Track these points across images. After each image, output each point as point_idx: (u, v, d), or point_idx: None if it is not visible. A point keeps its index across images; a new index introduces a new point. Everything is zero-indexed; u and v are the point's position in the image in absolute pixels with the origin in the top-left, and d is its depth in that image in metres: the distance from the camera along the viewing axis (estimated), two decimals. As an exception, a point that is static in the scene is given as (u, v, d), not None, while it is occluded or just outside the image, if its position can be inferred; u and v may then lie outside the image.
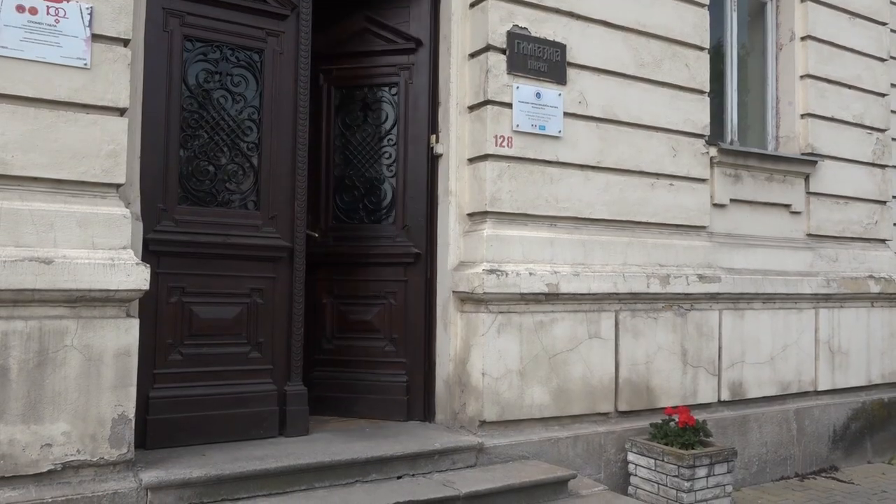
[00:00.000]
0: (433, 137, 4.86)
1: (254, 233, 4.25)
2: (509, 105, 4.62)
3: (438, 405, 4.73)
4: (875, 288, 6.40)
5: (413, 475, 4.00)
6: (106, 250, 3.42)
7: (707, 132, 5.53)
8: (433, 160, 4.87)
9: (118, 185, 3.57)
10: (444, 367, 4.70)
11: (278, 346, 4.28)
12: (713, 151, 5.54)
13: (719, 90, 6.03)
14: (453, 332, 4.63)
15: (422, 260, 4.81)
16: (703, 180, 5.50)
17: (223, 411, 4.04)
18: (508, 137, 4.62)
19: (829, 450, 6.02)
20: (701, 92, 5.51)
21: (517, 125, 4.64)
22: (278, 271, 4.31)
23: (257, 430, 4.12)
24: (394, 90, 4.91)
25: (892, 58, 6.98)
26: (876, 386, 6.44)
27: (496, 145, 4.57)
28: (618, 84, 5.10)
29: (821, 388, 6.05)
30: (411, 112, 4.87)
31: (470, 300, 4.51)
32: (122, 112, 3.59)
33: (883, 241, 6.70)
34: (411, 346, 4.79)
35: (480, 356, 4.40)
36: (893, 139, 6.94)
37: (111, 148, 3.50)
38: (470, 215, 4.69)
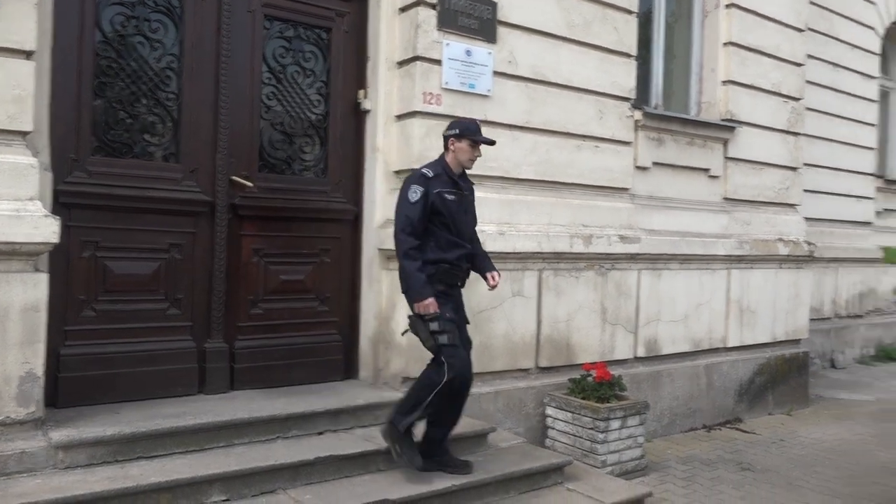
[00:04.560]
0: (361, 93, 4.78)
1: (173, 186, 4.11)
2: (439, 62, 4.58)
3: (362, 362, 4.76)
4: (784, 250, 6.72)
5: (335, 431, 4.03)
6: (11, 201, 3.25)
7: (633, 96, 5.63)
8: (361, 116, 4.80)
9: (25, 133, 3.37)
10: (368, 324, 4.72)
11: (198, 303, 4.19)
12: (638, 115, 5.65)
13: (646, 55, 6.12)
14: (378, 290, 4.64)
15: (355, 217, 4.76)
16: (628, 143, 5.61)
17: (140, 369, 3.95)
18: (437, 95, 4.59)
19: (735, 402, 6.37)
20: (628, 56, 5.58)
21: (446, 83, 4.61)
22: (199, 226, 4.20)
23: (176, 387, 4.05)
24: (327, 36, 4.73)
25: (809, 29, 7.23)
26: (780, 343, 6.82)
27: (425, 102, 4.54)
28: (548, 44, 5.11)
29: (730, 344, 6.37)
30: (342, 64, 4.75)
31: (395, 258, 4.49)
32: (28, 55, 3.38)
33: (793, 206, 7.02)
34: (344, 304, 4.76)
35: (405, 314, 4.42)
36: (807, 109, 7.23)
37: (17, 93, 3.30)
38: (397, 173, 4.66)
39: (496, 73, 4.83)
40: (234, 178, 4.30)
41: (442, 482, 3.66)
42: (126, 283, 3.98)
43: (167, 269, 4.10)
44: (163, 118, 4.14)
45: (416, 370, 4.42)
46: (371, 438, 3.93)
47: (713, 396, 6.19)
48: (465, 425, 4.29)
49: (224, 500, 3.33)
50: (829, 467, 5.13)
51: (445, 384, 3.61)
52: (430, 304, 3.59)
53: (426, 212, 3.68)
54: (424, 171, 3.78)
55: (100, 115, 3.95)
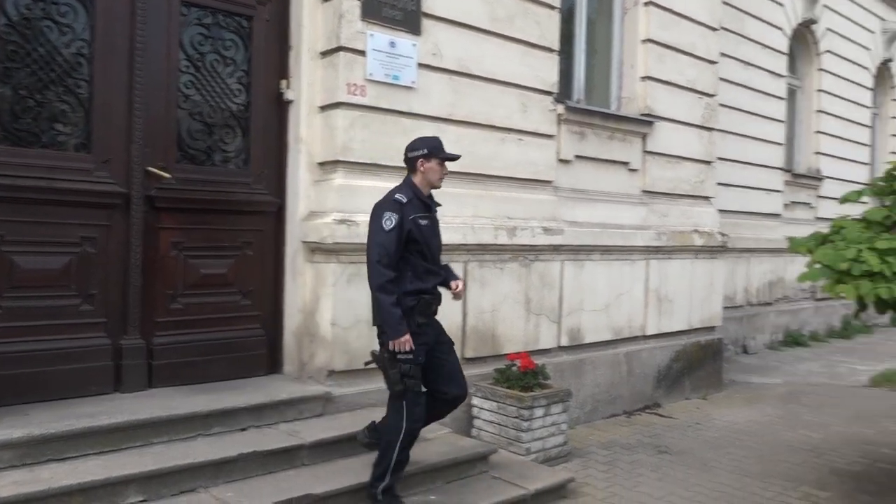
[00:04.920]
0: (284, 83, 4.70)
1: (84, 177, 3.95)
2: (363, 53, 4.55)
3: (287, 356, 4.69)
4: (699, 241, 6.99)
5: (258, 426, 3.97)
6: None
7: (556, 90, 5.74)
8: (284, 106, 4.72)
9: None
10: (292, 318, 4.66)
11: (113, 299, 4.05)
12: (561, 109, 5.76)
13: (569, 50, 6.24)
14: (302, 283, 4.59)
15: (278, 209, 4.68)
16: (551, 136, 5.72)
17: (51, 368, 3.79)
18: (362, 86, 4.56)
19: (654, 388, 6.60)
20: (551, 50, 5.67)
21: (371, 74, 4.58)
22: (113, 219, 4.05)
23: (90, 386, 3.91)
24: (247, 24, 4.61)
25: (723, 28, 7.51)
26: (696, 330, 7.09)
27: (349, 93, 4.50)
28: (472, 37, 5.15)
29: (649, 332, 6.59)
30: (264, 53, 4.66)
31: (320, 250, 4.46)
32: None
33: (707, 198, 7.30)
34: (267, 298, 4.68)
35: (330, 306, 4.39)
36: (720, 105, 7.52)
37: None
38: (321, 164, 4.61)
39: (421, 65, 4.83)
40: (151, 168, 4.16)
41: (368, 475, 3.65)
42: (34, 278, 3.80)
43: (79, 263, 3.93)
44: (73, 106, 3.97)
45: (342, 363, 4.42)
46: (295, 433, 3.89)
47: (633, 383, 6.39)
48: (391, 417, 4.30)
49: (141, 501, 3.24)
50: (740, 448, 5.38)
51: (406, 435, 3.51)
52: (406, 342, 3.42)
53: (401, 241, 3.49)
54: (398, 196, 3.57)
55: (5, 102, 3.76)
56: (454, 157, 3.76)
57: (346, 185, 4.49)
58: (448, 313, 4.95)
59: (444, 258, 4.94)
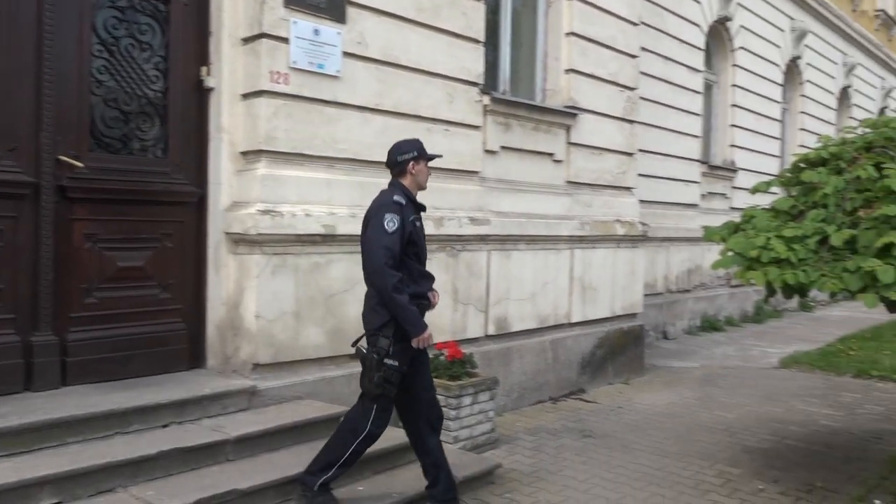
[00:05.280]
0: (204, 69, 4.57)
1: (-12, 166, 3.75)
2: (286, 40, 4.46)
3: (210, 350, 4.59)
4: (621, 230, 7.19)
5: (181, 423, 3.87)
6: None
7: (482, 81, 5.78)
8: (204, 94, 4.59)
9: None
10: (215, 311, 4.55)
11: (23, 294, 3.86)
12: (486, 100, 5.80)
13: (495, 42, 6.29)
14: (225, 275, 4.49)
15: (199, 199, 4.56)
16: (477, 127, 5.76)
17: (-46, 367, 3.59)
18: (285, 74, 4.48)
19: (579, 375, 6.76)
20: (477, 41, 5.71)
21: (294, 62, 4.50)
22: (21, 210, 3.86)
23: (-2, 385, 3.73)
24: (165, 8, 4.43)
25: (643, 23, 7.72)
26: (618, 317, 7.30)
27: (272, 81, 4.41)
28: (398, 27, 5.12)
29: (574, 320, 6.74)
30: (182, 38, 4.51)
31: (243, 242, 4.37)
32: None
33: (629, 188, 7.51)
34: (189, 291, 4.55)
35: (254, 299, 4.31)
36: (641, 98, 7.74)
37: None
38: (244, 154, 4.52)
39: (346, 54, 4.78)
40: (62, 157, 3.98)
41: (295, 468, 3.62)
42: (-66, 273, 3.59)
43: (-16, 257, 3.74)
44: (-26, 91, 3.75)
45: (267, 356, 4.35)
46: (219, 428, 3.81)
47: (559, 370, 6.53)
48: (318, 409, 4.28)
49: (56, 503, 3.11)
50: (660, 430, 5.58)
51: (367, 437, 3.48)
52: (430, 336, 3.47)
53: (403, 242, 3.46)
54: (397, 198, 3.53)
55: None
56: (439, 157, 3.87)
57: (270, 174, 4.41)
58: (375, 304, 4.95)
59: (371, 249, 4.93)
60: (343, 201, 4.74)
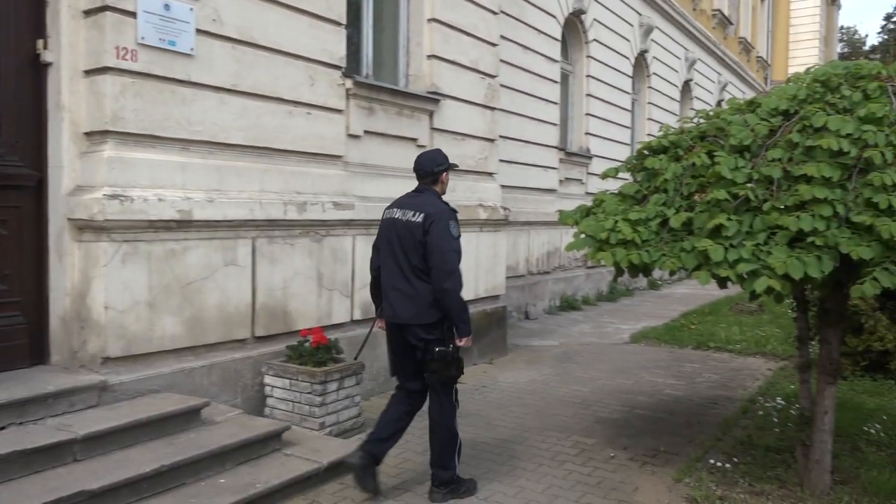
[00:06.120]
0: (40, 43, 4.23)
1: None
2: (133, 14, 4.22)
3: (54, 345, 4.29)
4: (483, 215, 7.38)
5: (22, 423, 3.61)
6: None
7: (344, 64, 5.72)
8: (41, 69, 4.25)
9: None
10: (59, 302, 4.25)
11: None
12: (349, 83, 5.76)
13: (357, 25, 6.24)
14: (70, 264, 4.20)
15: (38, 182, 4.22)
16: (340, 111, 5.70)
17: None
18: (133, 50, 4.23)
19: (444, 356, 6.88)
20: (338, 23, 5.64)
21: (142, 37, 4.26)
22: None
23: None
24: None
25: (503, 13, 7.91)
26: (482, 299, 7.51)
27: (118, 58, 4.16)
28: (255, 5, 4.97)
29: (439, 303, 6.84)
30: (13, 7, 4.14)
31: (89, 228, 4.11)
32: None
33: (491, 174, 7.72)
34: (28, 282, 4.22)
35: (103, 289, 4.07)
36: (502, 86, 7.95)
37: None
38: (88, 134, 4.23)
39: (200, 32, 4.58)
40: None
41: (150, 464, 3.48)
42: None
43: None
44: None
45: (118, 349, 4.14)
46: (66, 427, 3.58)
47: (425, 352, 6.62)
48: (175, 402, 4.12)
49: None
50: (520, 406, 5.82)
51: (455, 414, 3.97)
52: (472, 338, 3.86)
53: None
54: (448, 205, 3.89)
55: None
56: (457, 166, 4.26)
57: (117, 157, 4.16)
58: (236, 291, 4.85)
59: (230, 234, 4.81)
60: (199, 185, 4.56)
